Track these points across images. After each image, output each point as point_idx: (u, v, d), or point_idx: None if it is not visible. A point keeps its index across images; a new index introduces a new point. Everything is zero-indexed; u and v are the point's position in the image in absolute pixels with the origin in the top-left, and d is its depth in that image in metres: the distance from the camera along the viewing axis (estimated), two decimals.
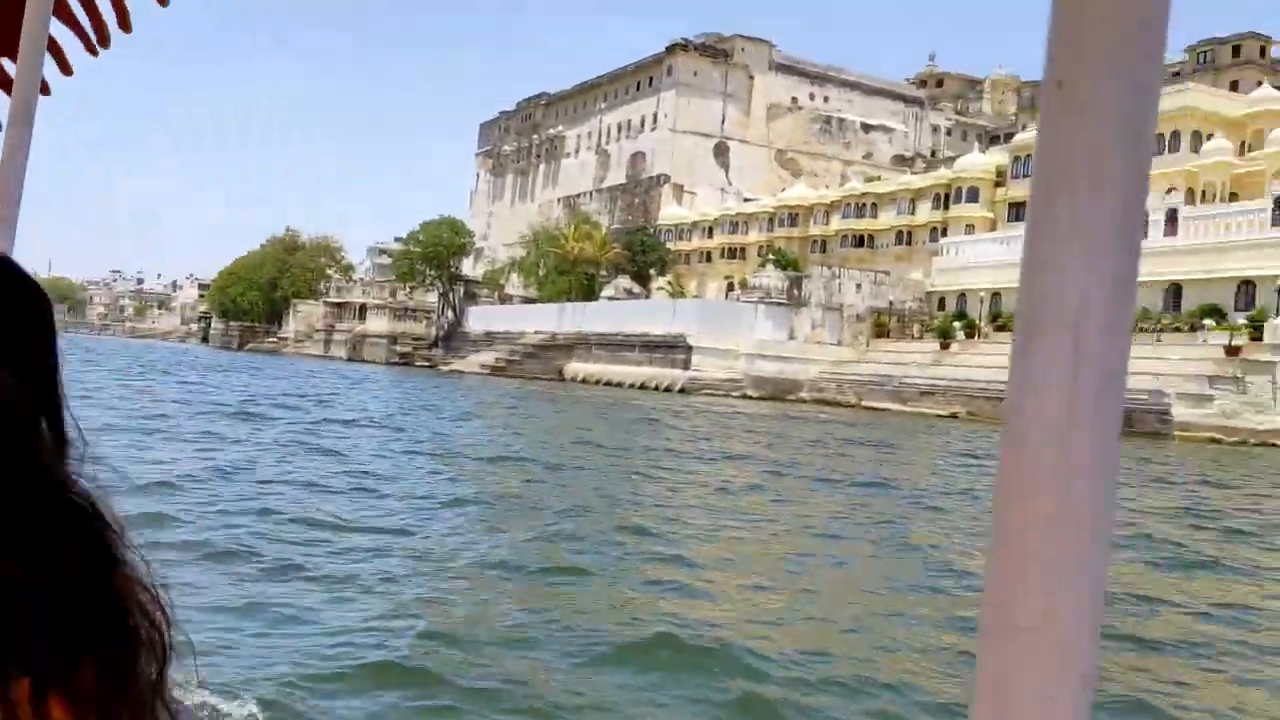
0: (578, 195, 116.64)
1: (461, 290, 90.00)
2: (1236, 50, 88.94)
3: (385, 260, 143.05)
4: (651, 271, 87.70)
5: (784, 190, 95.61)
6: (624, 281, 78.13)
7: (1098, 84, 0.44)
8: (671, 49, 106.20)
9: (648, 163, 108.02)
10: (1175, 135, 61.30)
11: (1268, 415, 41.13)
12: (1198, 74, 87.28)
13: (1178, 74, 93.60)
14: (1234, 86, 76.59)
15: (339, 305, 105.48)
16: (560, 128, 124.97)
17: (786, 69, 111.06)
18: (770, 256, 70.51)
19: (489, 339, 78.23)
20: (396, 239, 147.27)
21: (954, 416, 48.71)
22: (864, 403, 54.79)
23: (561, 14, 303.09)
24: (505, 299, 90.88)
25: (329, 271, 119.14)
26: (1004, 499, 0.45)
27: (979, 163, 72.90)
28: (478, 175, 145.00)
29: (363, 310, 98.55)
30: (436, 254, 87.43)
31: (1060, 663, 0.43)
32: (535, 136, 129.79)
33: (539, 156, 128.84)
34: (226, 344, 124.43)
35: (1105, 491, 0.44)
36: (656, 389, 58.43)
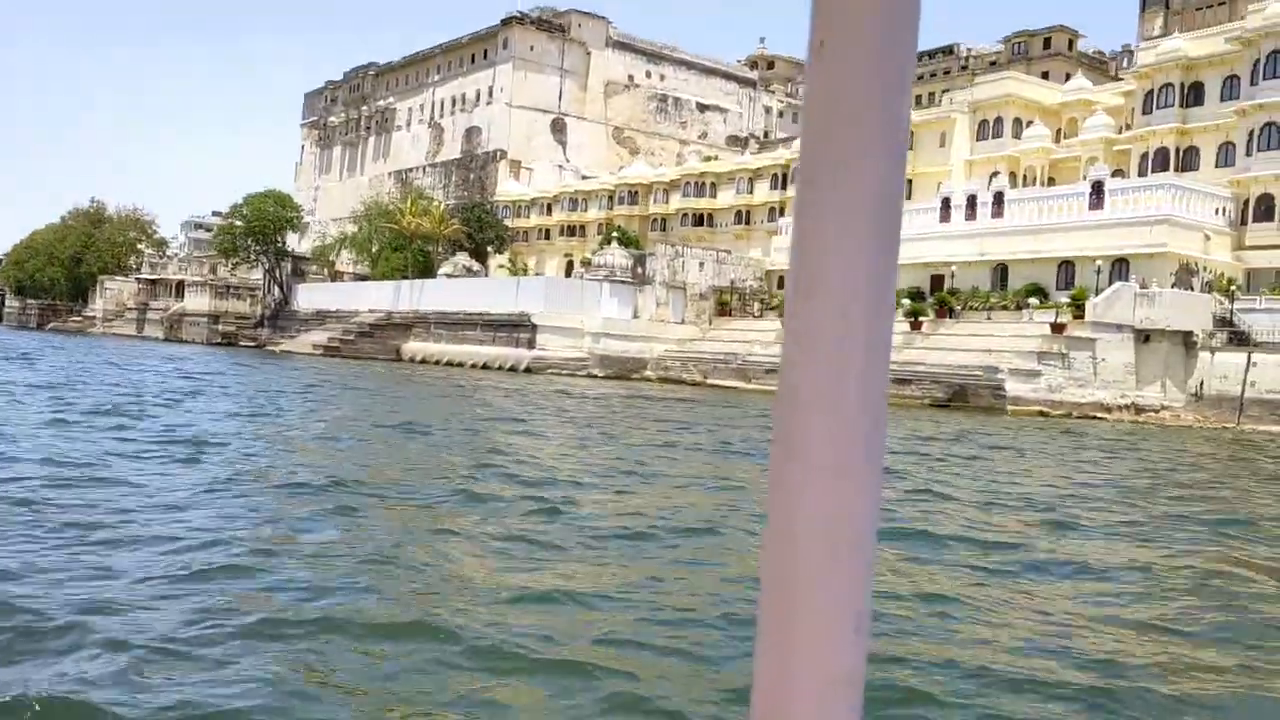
0: (410, 169, 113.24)
1: (289, 267, 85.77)
2: (1048, 42, 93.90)
3: (203, 235, 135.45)
4: (489, 249, 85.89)
5: (622, 168, 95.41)
6: (463, 259, 76.08)
7: (857, 42, 0.50)
8: (507, 22, 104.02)
9: (484, 137, 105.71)
10: (999, 121, 64.07)
11: (1088, 390, 43.44)
12: (1013, 64, 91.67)
13: (995, 63, 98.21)
14: (1045, 76, 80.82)
15: (153, 282, 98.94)
16: (391, 99, 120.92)
17: (623, 46, 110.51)
18: (615, 234, 69.91)
19: (320, 318, 74.85)
20: (215, 213, 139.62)
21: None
22: (709, 381, 55.10)
23: None
24: (336, 276, 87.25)
25: (140, 246, 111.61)
26: (779, 457, 0.50)
27: None
28: (303, 148, 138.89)
29: (180, 288, 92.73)
30: (262, 228, 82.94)
31: (837, 606, 0.47)
32: (364, 108, 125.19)
33: (368, 129, 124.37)
34: (24, 323, 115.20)
35: (874, 446, 0.49)
36: (501, 369, 57.14)
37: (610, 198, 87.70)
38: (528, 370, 56.36)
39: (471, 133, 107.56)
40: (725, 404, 40.10)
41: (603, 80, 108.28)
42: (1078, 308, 44.89)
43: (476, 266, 77.83)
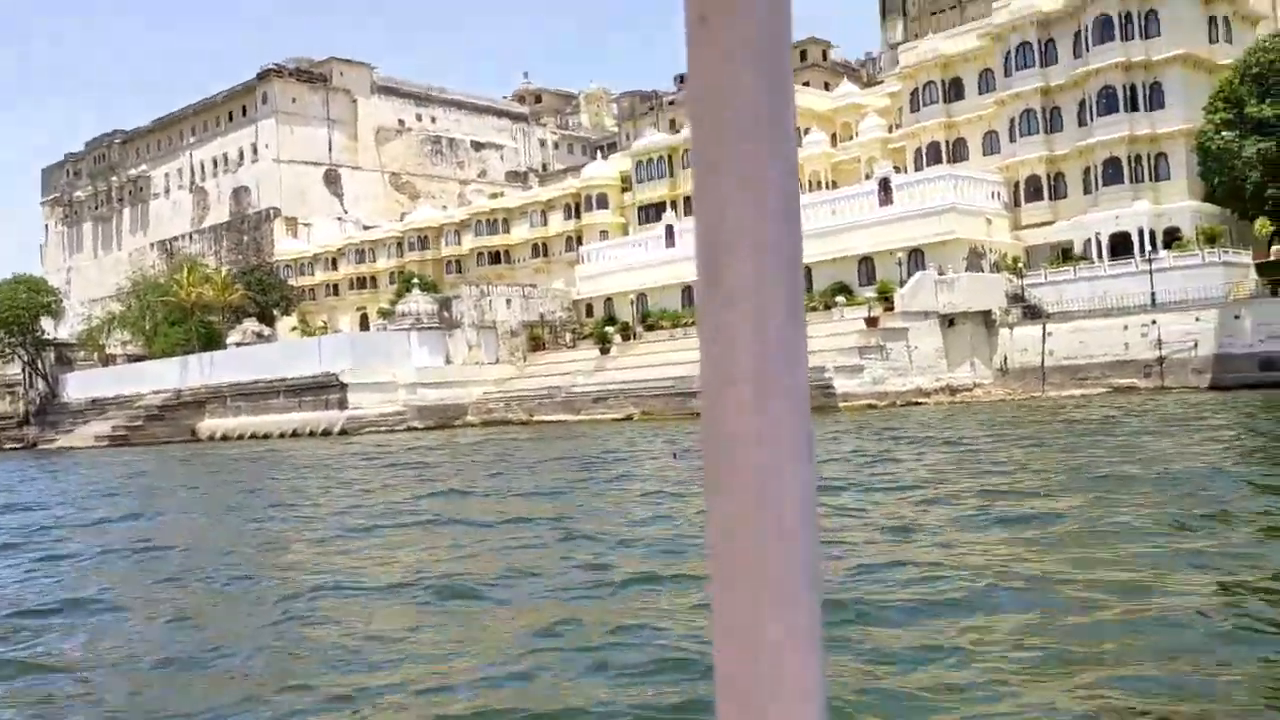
0: (175, 238, 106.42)
1: (52, 356, 78.35)
2: (804, 54, 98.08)
3: None
4: (276, 311, 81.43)
5: (405, 214, 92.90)
6: (251, 324, 71.66)
7: (736, 14, 0.52)
8: (264, 75, 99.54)
9: (253, 196, 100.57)
10: None
11: (907, 377, 44.98)
12: None
13: None
14: (806, 84, 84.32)
15: None
16: (144, 167, 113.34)
17: (390, 91, 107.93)
18: (415, 281, 67.58)
19: (99, 407, 68.56)
20: None
21: (629, 418, 48.97)
22: (536, 418, 53.79)
23: (114, 45, 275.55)
24: (108, 360, 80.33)
25: None
26: (712, 465, 0.52)
27: (605, 171, 74.53)
28: (47, 227, 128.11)
29: None
30: (14, 318, 75.40)
31: (784, 605, 0.49)
32: (114, 178, 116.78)
33: (121, 200, 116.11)
34: None
35: (804, 447, 0.52)
36: (313, 434, 53.83)
37: (399, 245, 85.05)
38: (343, 432, 53.35)
39: (239, 193, 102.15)
40: (557, 438, 38.97)
41: (373, 127, 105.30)
42: (886, 300, 46.50)
43: (267, 331, 73.55)
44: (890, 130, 61.20)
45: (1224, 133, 38.78)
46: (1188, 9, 48.50)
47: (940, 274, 46.87)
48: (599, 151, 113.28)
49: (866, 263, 51.30)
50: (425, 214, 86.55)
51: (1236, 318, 40.82)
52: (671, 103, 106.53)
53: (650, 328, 58.17)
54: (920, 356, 45.53)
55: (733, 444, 0.55)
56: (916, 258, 49.03)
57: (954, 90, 57.09)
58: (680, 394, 47.91)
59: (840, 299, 49.97)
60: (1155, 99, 48.04)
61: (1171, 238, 46.68)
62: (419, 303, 60.05)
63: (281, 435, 55.26)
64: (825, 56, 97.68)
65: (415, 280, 68.71)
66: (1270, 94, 37.96)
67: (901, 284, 47.19)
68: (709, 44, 0.56)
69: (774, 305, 0.56)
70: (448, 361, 59.13)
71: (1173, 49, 47.67)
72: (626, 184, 72.34)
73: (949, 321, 46.23)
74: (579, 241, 71.98)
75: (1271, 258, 43.98)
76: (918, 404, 43.78)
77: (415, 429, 53.93)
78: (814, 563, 0.55)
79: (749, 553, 0.54)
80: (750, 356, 0.55)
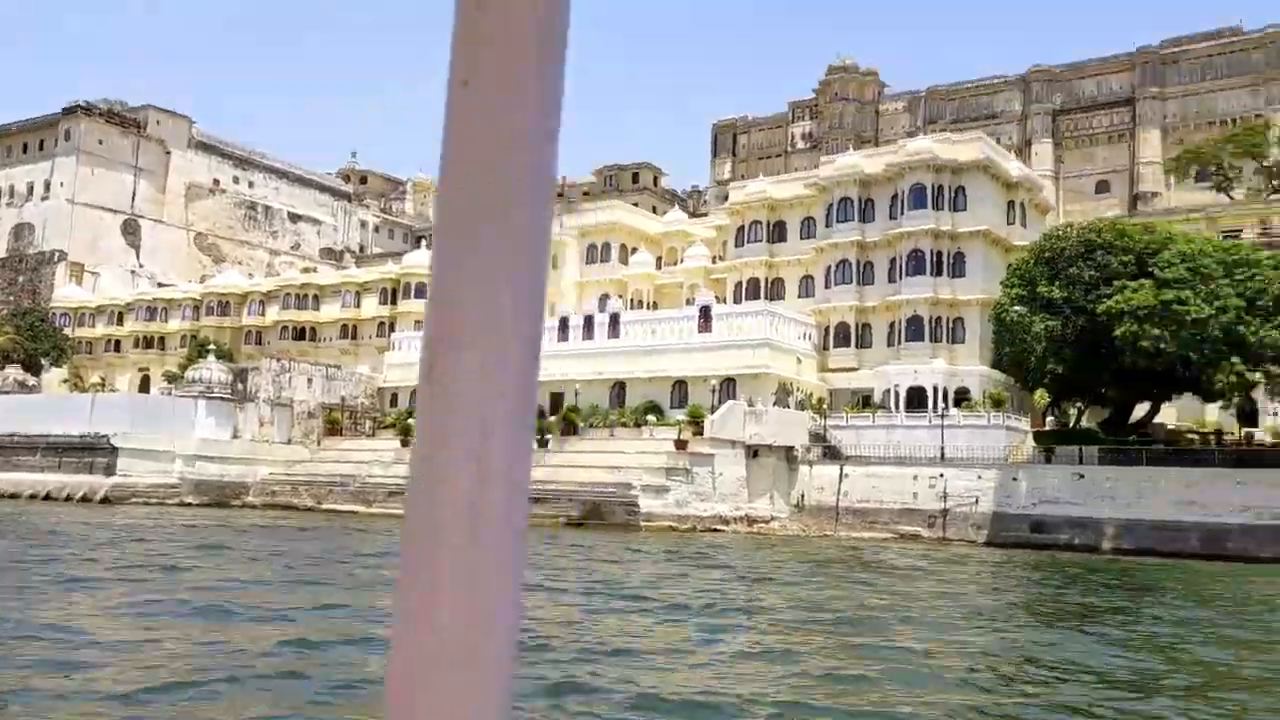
0: None
1: None
2: (636, 177, 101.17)
3: None
4: (45, 361, 75.05)
5: (205, 276, 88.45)
6: (14, 372, 65.59)
7: (504, 79, 0.48)
8: (71, 111, 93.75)
9: (37, 235, 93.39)
10: (607, 246, 67.16)
11: (709, 503, 45.40)
12: (605, 194, 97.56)
13: (588, 193, 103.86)
14: (635, 205, 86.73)
15: None
16: None
17: (208, 148, 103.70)
18: (211, 347, 63.77)
19: None
20: None
21: None
22: (324, 505, 51.06)
23: None
24: None
25: None
26: (409, 562, 0.51)
27: (425, 261, 73.42)
28: None
29: None
30: None
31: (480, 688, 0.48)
32: None
33: None
34: None
35: (514, 566, 0.50)
36: (70, 499, 49.08)
37: (196, 307, 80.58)
38: (105, 500, 48.88)
39: (21, 229, 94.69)
40: (341, 530, 36.96)
41: (184, 182, 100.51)
42: (696, 425, 47.09)
43: (32, 380, 67.45)
44: (714, 261, 63.20)
45: (1017, 307, 41.92)
46: (991, 192, 52.86)
47: (750, 405, 48.00)
48: (421, 241, 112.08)
49: (680, 385, 52.04)
50: (230, 279, 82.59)
51: (1014, 479, 43.46)
52: (586, 193, 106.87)
53: None
54: (724, 484, 46.12)
55: (435, 576, 0.51)
56: (729, 386, 50.12)
57: (777, 232, 59.73)
58: None
59: (651, 418, 50.32)
60: (958, 268, 51.69)
61: (961, 397, 49.67)
62: (213, 370, 56.57)
63: (34, 496, 50.12)
64: (656, 182, 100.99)
65: (211, 346, 64.90)
66: (1057, 278, 41.45)
67: (713, 410, 48.00)
68: (468, 108, 0.53)
69: (500, 415, 0.51)
70: (235, 436, 55.63)
71: (976, 225, 51.66)
72: None
73: (754, 453, 47.18)
74: (392, 328, 70.16)
75: (1046, 427, 47.44)
76: (717, 530, 44.12)
77: (189, 504, 50.12)
78: (506, 692, 0.53)
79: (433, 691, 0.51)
80: (467, 476, 0.51)
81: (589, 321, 56.35)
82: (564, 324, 57.35)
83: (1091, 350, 41.34)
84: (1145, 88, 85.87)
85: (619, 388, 54.18)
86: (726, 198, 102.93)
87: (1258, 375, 36.86)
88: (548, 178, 0.53)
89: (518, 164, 0.52)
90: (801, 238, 58.67)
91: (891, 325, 53.18)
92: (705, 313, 52.53)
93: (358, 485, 51.37)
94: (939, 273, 51.65)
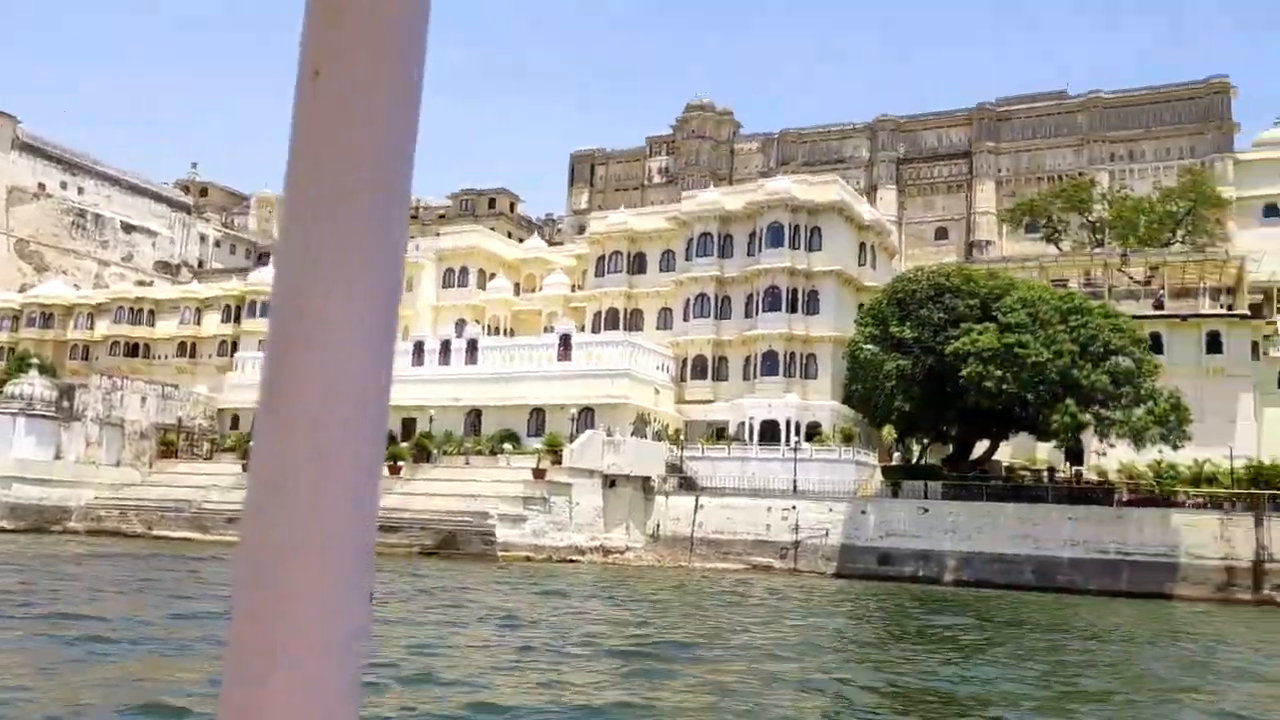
0: None
1: None
2: (493, 202, 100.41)
3: None
4: None
5: (25, 286, 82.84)
6: None
7: (357, 71, 0.45)
8: None
9: None
10: (464, 271, 66.25)
11: (566, 533, 45.02)
12: (461, 218, 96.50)
13: (444, 216, 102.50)
14: (492, 229, 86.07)
15: None
16: None
17: (34, 150, 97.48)
18: (34, 361, 59.55)
19: None
20: None
21: None
22: (155, 531, 48.24)
23: None
24: None
25: None
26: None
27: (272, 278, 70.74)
28: None
29: None
30: None
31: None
32: None
33: None
34: None
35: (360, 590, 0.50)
36: None
37: (16, 318, 75.32)
38: None
39: None
40: (171, 559, 34.99)
41: (6, 185, 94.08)
42: (555, 454, 46.71)
43: None
44: (573, 289, 63.16)
45: (870, 346, 43.41)
46: (844, 233, 54.72)
47: (609, 435, 47.95)
48: (264, 258, 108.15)
49: (538, 414, 51.61)
50: (55, 289, 77.67)
51: (863, 513, 44.76)
52: (442, 216, 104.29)
53: None
54: (581, 514, 45.83)
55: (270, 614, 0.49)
56: (587, 416, 49.99)
57: (637, 263, 60.18)
58: None
59: (508, 446, 49.69)
60: (812, 305, 53.17)
61: (813, 431, 50.95)
62: (35, 386, 52.79)
63: None
64: (513, 209, 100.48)
65: (33, 360, 60.65)
66: (908, 319, 43.16)
67: (571, 439, 47.74)
68: (319, 100, 0.47)
69: (344, 434, 0.46)
70: (59, 456, 52.02)
71: (830, 264, 53.33)
72: None
73: (611, 483, 47.08)
74: (234, 347, 67.21)
75: (893, 462, 49.11)
76: (573, 561, 43.77)
77: (4, 529, 46.49)
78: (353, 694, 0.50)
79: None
80: (309, 495, 0.47)
81: (445, 346, 55.35)
82: (419, 348, 56.17)
83: (938, 389, 43.12)
84: (981, 142, 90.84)
85: (475, 415, 53.34)
86: (583, 228, 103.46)
87: (1087, 416, 39.14)
88: (401, 180, 0.48)
89: (370, 165, 0.47)
90: (661, 270, 59.28)
91: (747, 359, 54.21)
92: (565, 341, 52.35)
93: (193, 511, 48.76)
94: (794, 309, 53.02)
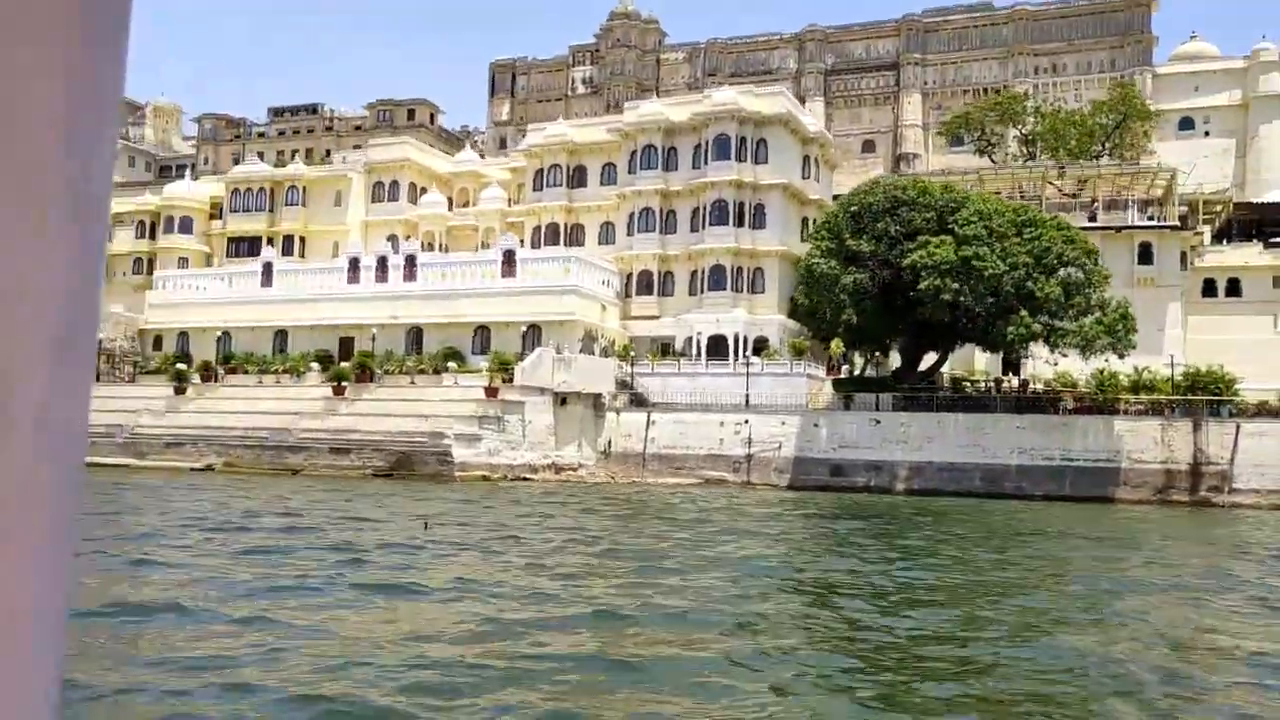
0: None
1: None
2: (411, 114, 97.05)
3: None
4: None
5: None
6: None
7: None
8: None
9: None
10: (395, 185, 64.05)
11: (519, 452, 44.54)
12: (378, 130, 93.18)
13: (360, 128, 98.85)
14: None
15: None
16: None
17: None
18: None
19: None
20: None
21: (209, 469, 43.67)
22: (88, 459, 46.21)
23: None
24: None
25: None
26: None
27: (193, 192, 67.52)
28: None
29: None
30: None
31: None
32: None
33: None
34: None
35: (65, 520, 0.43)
36: None
37: None
38: None
39: None
40: (114, 487, 33.66)
41: None
42: (506, 372, 45.94)
43: None
44: (510, 204, 61.63)
45: (828, 260, 43.34)
46: (789, 145, 54.21)
47: (558, 353, 47.30)
48: (166, 171, 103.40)
49: (482, 331, 50.59)
50: None
51: (815, 425, 45.21)
52: (262, 134, 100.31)
53: (232, 370, 52.84)
54: (533, 432, 45.32)
55: None
56: (534, 333, 49.17)
57: (577, 176, 58.87)
58: (275, 446, 43.63)
59: (452, 364, 48.69)
60: (758, 219, 52.79)
61: (760, 346, 51.04)
62: None
63: None
64: (433, 120, 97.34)
65: None
66: (864, 232, 43.14)
67: (520, 357, 46.99)
68: None
69: (34, 340, 0.42)
70: None
71: (777, 178, 52.88)
72: (216, 211, 66.03)
73: (562, 400, 46.58)
74: (151, 265, 64.22)
75: (841, 376, 49.59)
76: (526, 479, 43.40)
77: None
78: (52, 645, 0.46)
79: None
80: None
81: (382, 263, 53.66)
82: (354, 265, 54.42)
83: (890, 302, 43.39)
84: (909, 54, 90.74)
85: (416, 333, 52.03)
86: (505, 141, 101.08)
87: (1038, 327, 39.88)
88: (109, 102, 0.43)
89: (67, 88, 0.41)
90: (602, 183, 58.10)
91: (694, 274, 53.78)
92: (509, 257, 51.13)
93: (126, 436, 46.85)
94: (741, 223, 52.58)
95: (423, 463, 41.51)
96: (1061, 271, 39.72)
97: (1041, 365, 47.17)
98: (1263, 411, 41.14)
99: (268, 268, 56.40)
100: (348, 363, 49.74)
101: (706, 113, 53.45)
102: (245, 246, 62.98)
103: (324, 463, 42.22)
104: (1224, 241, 58.73)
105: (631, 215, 55.63)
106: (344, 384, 47.44)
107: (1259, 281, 55.75)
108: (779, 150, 53.39)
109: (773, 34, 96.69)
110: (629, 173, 55.99)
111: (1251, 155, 78.05)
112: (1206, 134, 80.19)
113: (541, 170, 59.30)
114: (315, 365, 50.81)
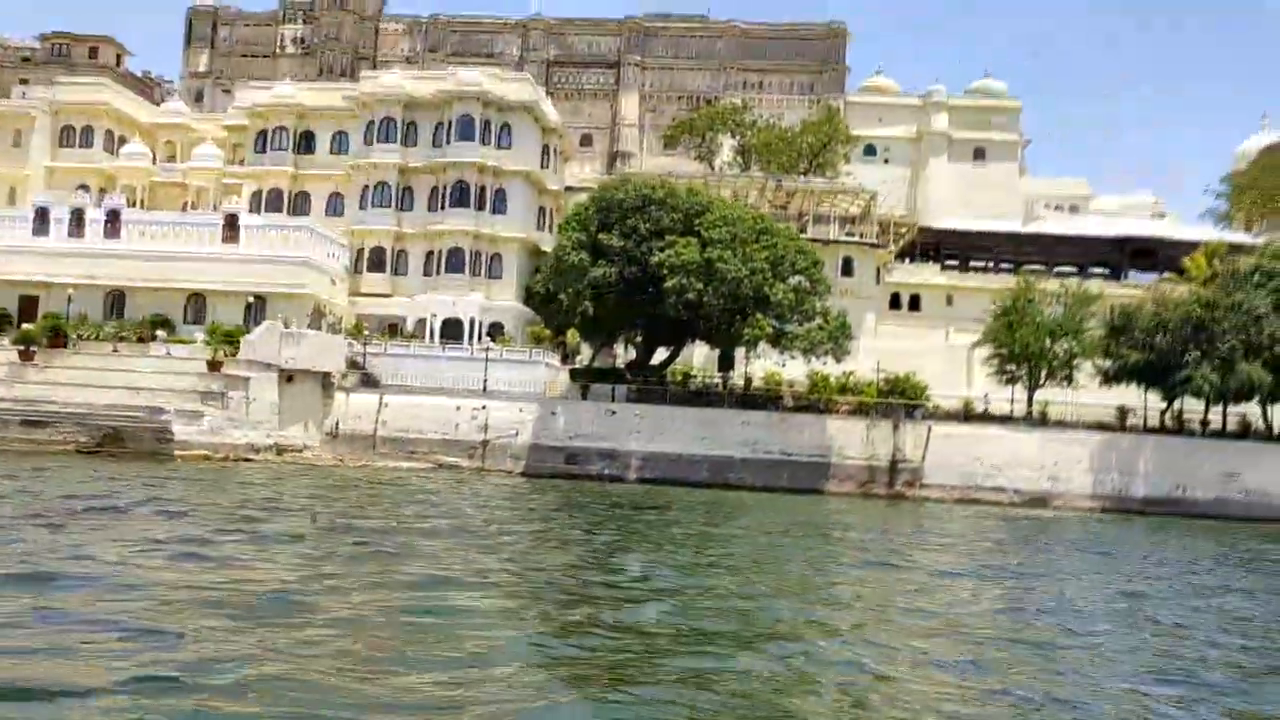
0: None
1: None
2: (94, 51, 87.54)
3: None
4: None
5: None
6: None
7: None
8: None
9: None
10: (89, 130, 57.74)
11: (243, 430, 41.69)
12: (53, 64, 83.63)
13: (29, 59, 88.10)
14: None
15: None
16: None
17: None
18: None
19: None
20: None
21: None
22: None
23: None
24: None
25: None
26: None
27: None
28: None
29: None
30: None
31: None
32: None
33: None
34: None
35: None
36: None
37: None
38: None
39: None
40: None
41: None
42: (231, 344, 42.80)
43: None
44: (228, 164, 57.26)
45: (578, 251, 43.88)
46: (532, 133, 54.29)
47: (285, 326, 44.69)
48: None
49: (197, 299, 46.73)
50: None
51: (553, 414, 45.76)
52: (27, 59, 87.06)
53: (56, 333, 44.47)
54: (257, 410, 42.55)
55: None
56: (258, 305, 46.13)
57: (305, 142, 55.73)
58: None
59: (161, 333, 44.64)
60: (499, 204, 52.47)
61: (495, 331, 50.85)
62: None
63: None
64: (120, 62, 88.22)
65: None
66: (613, 226, 44.12)
67: (243, 330, 43.93)
68: None
69: None
70: None
71: (519, 164, 52.82)
72: None
73: (289, 377, 44.09)
74: None
75: (575, 365, 50.43)
76: (249, 460, 40.74)
77: None
78: None
79: None
80: None
81: (79, 215, 48.14)
82: (42, 215, 48.47)
83: (631, 297, 44.70)
84: (630, 54, 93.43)
85: (117, 296, 47.18)
86: (200, 94, 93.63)
87: (770, 329, 42.66)
88: None
89: None
90: (332, 152, 55.40)
91: (430, 254, 52.58)
92: (232, 221, 47.53)
93: None
94: (481, 207, 52.03)
95: (136, 439, 37.79)
96: (793, 279, 42.67)
97: (754, 365, 50.36)
98: (951, 416, 46.40)
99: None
100: (32, 325, 44.27)
101: (451, 91, 52.40)
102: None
103: (14, 435, 37.35)
104: (907, 260, 65.32)
105: (366, 188, 53.49)
106: (33, 349, 42.19)
107: (936, 298, 62.57)
108: (522, 137, 53.34)
109: (498, 17, 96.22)
110: (365, 144, 53.78)
111: (922, 184, 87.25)
112: (887, 161, 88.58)
113: (266, 132, 55.61)
114: None
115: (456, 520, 24.44)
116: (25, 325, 44.54)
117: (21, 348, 42.19)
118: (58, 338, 43.37)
